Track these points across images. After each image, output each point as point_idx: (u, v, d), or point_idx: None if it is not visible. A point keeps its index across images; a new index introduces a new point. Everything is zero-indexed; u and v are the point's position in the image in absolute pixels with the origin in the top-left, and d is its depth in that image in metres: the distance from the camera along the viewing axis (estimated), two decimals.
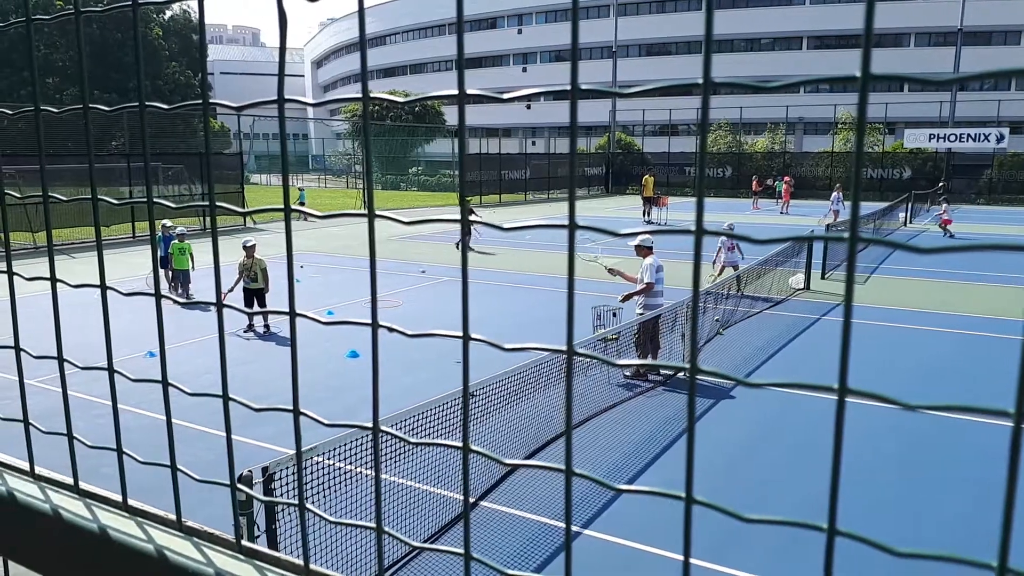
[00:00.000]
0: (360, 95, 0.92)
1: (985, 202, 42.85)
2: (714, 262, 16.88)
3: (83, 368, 1.30)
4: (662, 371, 11.06)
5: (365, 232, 20.19)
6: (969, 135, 42.40)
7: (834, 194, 32.38)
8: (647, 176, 35.63)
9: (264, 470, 5.01)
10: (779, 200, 38.54)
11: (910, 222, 31.69)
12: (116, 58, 49.61)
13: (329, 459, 5.85)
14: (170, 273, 16.71)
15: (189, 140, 49.77)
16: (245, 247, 13.84)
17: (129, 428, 8.18)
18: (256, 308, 13.31)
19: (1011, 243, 0.64)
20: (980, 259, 21.74)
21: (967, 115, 48.69)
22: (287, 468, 5.32)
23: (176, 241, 16.31)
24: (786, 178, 38.94)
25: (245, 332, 13.39)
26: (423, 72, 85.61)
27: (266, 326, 13.75)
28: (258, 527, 5.01)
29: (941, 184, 40.99)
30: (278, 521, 5.19)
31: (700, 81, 0.72)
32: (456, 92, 0.83)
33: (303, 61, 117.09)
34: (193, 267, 16.53)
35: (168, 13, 57.23)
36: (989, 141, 41.86)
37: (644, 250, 11.22)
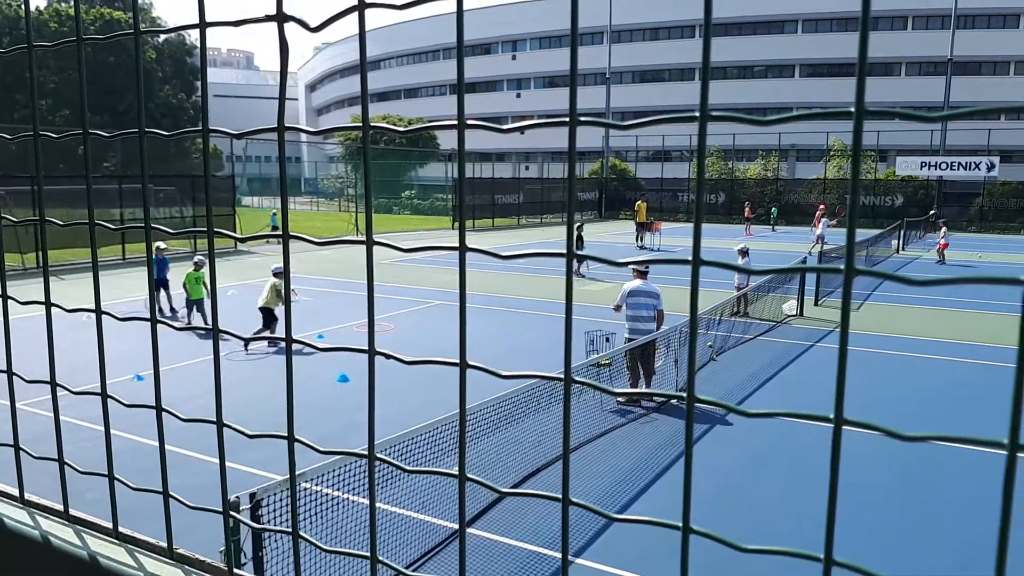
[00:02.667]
0: (356, 123, 0.93)
1: (976, 230, 43.15)
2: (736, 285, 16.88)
3: (76, 393, 1.29)
4: (655, 397, 11.05)
5: (356, 255, 20.30)
6: (960, 163, 42.82)
7: (822, 219, 32.52)
8: (640, 201, 35.75)
9: (252, 496, 4.96)
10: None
11: (903, 249, 31.89)
12: (109, 81, 49.78)
13: (316, 485, 5.80)
14: (161, 293, 16.69)
15: (181, 162, 49.87)
16: (276, 273, 14.73)
17: (118, 451, 8.11)
18: (268, 326, 14.51)
19: (998, 276, 0.65)
20: (973, 287, 21.84)
21: (958, 143, 49.21)
22: (275, 494, 5.27)
23: (193, 270, 15.52)
24: (821, 206, 37.89)
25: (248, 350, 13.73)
26: (418, 97, 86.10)
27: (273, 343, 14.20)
28: (245, 553, 4.96)
29: (932, 212, 41.33)
30: (265, 548, 5.13)
31: (695, 113, 0.73)
32: (456, 121, 0.83)
33: (297, 85, 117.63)
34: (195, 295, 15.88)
35: (162, 37, 57.49)
36: (980, 169, 42.27)
37: (636, 272, 11.38)
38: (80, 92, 1.13)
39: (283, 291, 14.33)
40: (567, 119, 0.78)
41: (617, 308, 11.52)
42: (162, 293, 16.88)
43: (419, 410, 9.61)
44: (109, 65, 50.37)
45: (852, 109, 0.65)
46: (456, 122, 0.82)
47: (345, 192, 63.87)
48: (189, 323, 15.26)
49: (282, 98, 0.94)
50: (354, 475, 6.50)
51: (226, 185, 31.33)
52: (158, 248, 16.87)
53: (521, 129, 0.86)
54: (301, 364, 12.36)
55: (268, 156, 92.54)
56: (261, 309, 14.47)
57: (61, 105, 49.77)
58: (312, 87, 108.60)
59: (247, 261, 26.13)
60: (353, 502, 6.26)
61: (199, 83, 66.85)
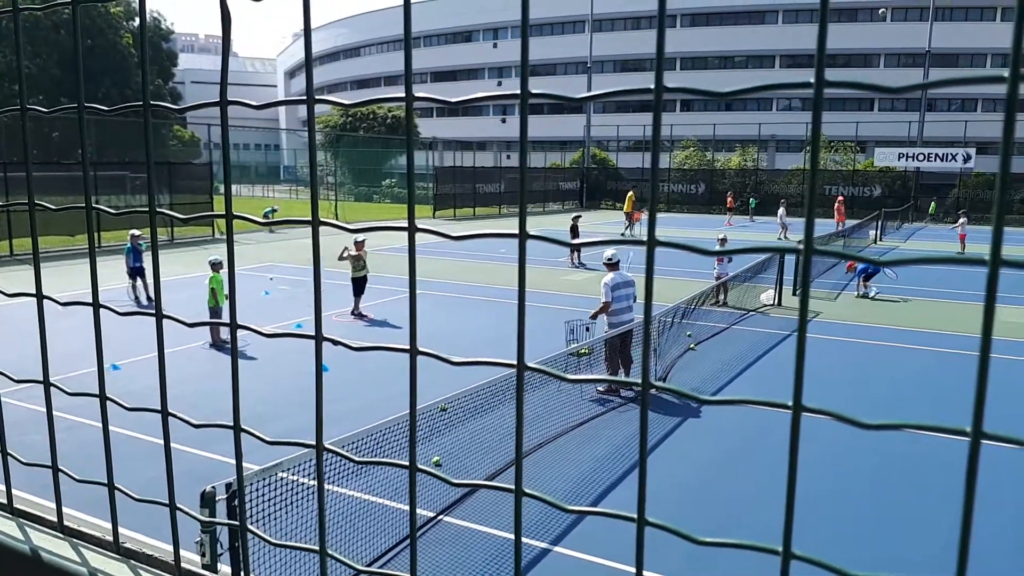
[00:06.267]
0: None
1: (952, 221, 43.53)
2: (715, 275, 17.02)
3: (17, 381, 1.24)
4: (633, 387, 11.04)
5: (336, 244, 20.35)
6: (937, 155, 43.20)
7: (780, 210, 33.22)
8: (630, 192, 35.83)
9: (228, 486, 4.91)
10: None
11: (880, 239, 32.12)
12: (84, 65, 49.08)
13: (293, 475, 5.76)
14: (136, 282, 16.54)
15: (159, 150, 49.33)
16: (356, 243, 15.72)
17: (93, 442, 8.00)
18: (358, 295, 15.70)
19: (964, 257, 0.62)
20: (949, 277, 22.07)
21: (935, 135, 49.63)
22: (251, 484, 5.22)
23: (214, 272, 13.53)
24: (840, 197, 37.36)
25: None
26: (397, 84, 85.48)
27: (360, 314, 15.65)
28: (221, 545, 4.91)
29: (910, 203, 41.71)
30: (240, 539, 5.08)
31: (654, 88, 0.70)
32: (404, 95, 0.80)
33: (275, 71, 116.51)
34: (221, 302, 13.61)
35: (138, 20, 56.60)
36: (956, 161, 42.66)
37: (609, 266, 11.30)
38: (17, 63, 1.08)
39: (364, 258, 15.06)
40: (519, 93, 0.74)
41: (606, 307, 10.99)
42: (138, 282, 16.68)
43: (405, 397, 9.57)
44: (84, 49, 49.65)
45: (812, 79, 0.61)
46: (404, 95, 0.78)
47: (325, 180, 63.39)
48: (218, 340, 13.36)
49: (224, 69, 0.90)
50: (330, 464, 6.46)
51: (203, 172, 30.93)
52: (133, 235, 16.65)
53: (467, 103, 0.82)
54: (281, 355, 12.28)
55: (247, 144, 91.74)
56: (353, 280, 15.57)
57: (34, 91, 49.02)
58: (291, 74, 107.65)
59: (224, 250, 25.90)
60: (333, 491, 6.22)
61: (175, 68, 66.04)
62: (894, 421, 0.68)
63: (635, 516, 0.75)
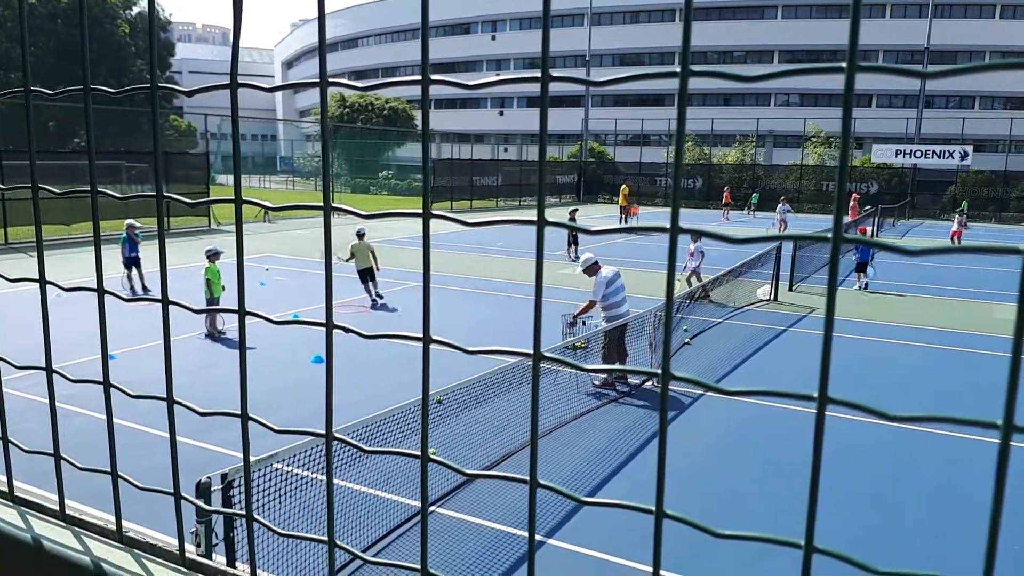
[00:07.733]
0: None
1: (948, 218, 43.60)
2: (684, 267, 17.15)
3: (20, 367, 1.23)
4: (630, 380, 11.05)
5: (339, 237, 20.24)
6: (934, 152, 43.29)
7: (779, 205, 33.59)
8: (624, 185, 35.90)
9: (223, 477, 4.89)
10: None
11: (876, 236, 32.18)
12: (81, 55, 49.06)
13: (288, 466, 5.74)
14: (131, 272, 16.47)
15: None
16: (359, 234, 16.17)
17: (88, 432, 7.98)
18: (369, 285, 16.05)
19: (995, 246, 0.61)
20: (942, 274, 22.12)
21: (932, 132, 49.71)
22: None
23: (209, 263, 13.36)
24: (855, 195, 37.78)
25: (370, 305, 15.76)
26: (395, 76, 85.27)
27: (378, 296, 16.07)
28: (216, 534, 4.90)
29: (907, 200, 41.79)
30: (236, 529, 5.07)
31: (678, 71, 0.68)
32: (420, 78, 0.78)
33: (273, 62, 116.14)
34: (216, 293, 13.40)
35: (136, 9, 56.46)
36: (953, 158, 42.76)
37: (591, 269, 11.22)
38: (22, 43, 1.06)
39: (373, 251, 15.42)
40: (539, 75, 0.73)
41: (591, 305, 11.02)
42: (133, 272, 16.61)
43: (402, 389, 9.56)
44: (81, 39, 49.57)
45: (844, 64, 0.60)
46: (420, 78, 0.77)
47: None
48: (213, 331, 13.15)
49: (235, 50, 0.88)
50: (323, 454, 6.44)
51: (200, 163, 30.82)
52: (130, 225, 16.58)
53: (488, 85, 0.80)
54: (277, 346, 12.24)
55: (244, 135, 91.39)
56: (359, 272, 15.84)
57: (35, 80, 48.71)
58: (289, 64, 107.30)
59: (219, 240, 25.83)
60: (324, 482, 6.20)
61: (173, 58, 65.76)
62: (919, 414, 0.67)
63: (653, 508, 0.73)
